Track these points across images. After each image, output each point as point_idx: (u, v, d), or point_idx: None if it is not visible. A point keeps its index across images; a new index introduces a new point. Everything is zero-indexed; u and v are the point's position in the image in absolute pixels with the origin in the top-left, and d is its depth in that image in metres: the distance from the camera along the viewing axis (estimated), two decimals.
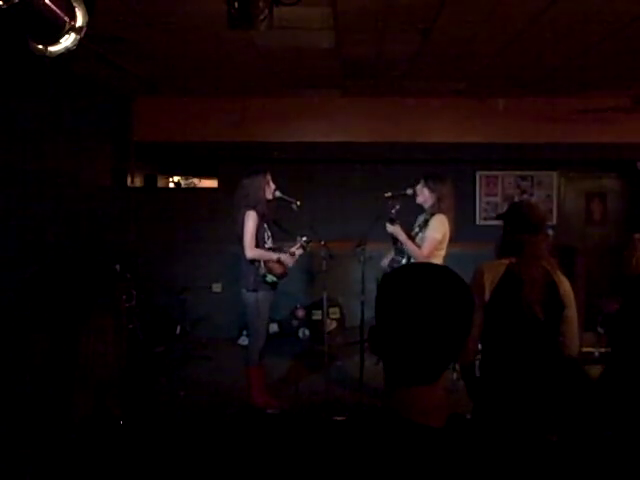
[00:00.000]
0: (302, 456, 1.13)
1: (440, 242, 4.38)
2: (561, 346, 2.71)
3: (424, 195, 4.47)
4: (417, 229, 4.55)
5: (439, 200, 4.41)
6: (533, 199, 7.50)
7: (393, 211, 4.55)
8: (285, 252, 4.69)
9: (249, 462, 3.60)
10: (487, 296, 2.67)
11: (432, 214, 4.43)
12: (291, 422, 4.50)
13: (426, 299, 1.11)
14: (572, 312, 2.71)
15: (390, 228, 4.51)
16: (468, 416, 2.74)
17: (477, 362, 2.85)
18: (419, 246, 4.39)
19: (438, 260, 4.42)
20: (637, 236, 3.26)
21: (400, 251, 4.57)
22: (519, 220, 2.82)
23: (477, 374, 2.83)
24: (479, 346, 2.79)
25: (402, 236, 4.45)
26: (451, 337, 1.11)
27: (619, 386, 1.93)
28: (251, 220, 4.52)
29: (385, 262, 4.66)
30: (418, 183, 4.54)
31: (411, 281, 1.16)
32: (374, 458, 1.06)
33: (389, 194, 4.64)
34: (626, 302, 2.66)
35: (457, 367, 3.97)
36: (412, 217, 4.71)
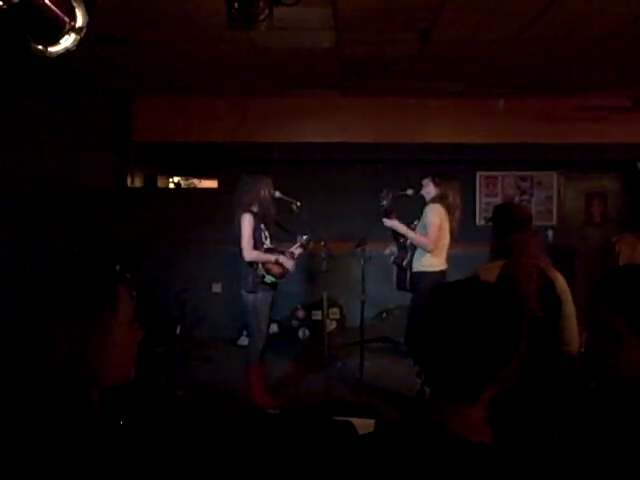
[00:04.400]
0: (301, 456, 1.13)
1: (440, 227, 4.40)
2: (561, 343, 2.71)
3: (428, 188, 4.54)
4: (416, 222, 4.58)
5: (441, 196, 4.46)
6: (533, 199, 7.51)
7: (384, 202, 4.57)
8: (284, 253, 4.67)
9: (249, 462, 3.60)
10: None
11: (427, 205, 4.48)
12: (291, 422, 4.50)
13: (466, 317, 1.12)
14: (570, 307, 2.72)
15: (388, 222, 4.54)
16: None
17: None
18: (423, 235, 4.42)
19: (438, 253, 4.45)
20: (615, 238, 3.28)
21: (403, 247, 4.58)
22: (504, 221, 2.86)
23: None
24: None
25: (402, 228, 4.49)
26: (490, 354, 1.11)
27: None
28: (247, 222, 4.51)
29: (390, 256, 4.69)
30: (426, 177, 4.59)
31: (455, 298, 1.17)
32: (407, 468, 1.06)
33: (389, 194, 4.66)
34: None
35: None
36: (413, 216, 4.72)
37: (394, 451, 1.10)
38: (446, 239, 4.51)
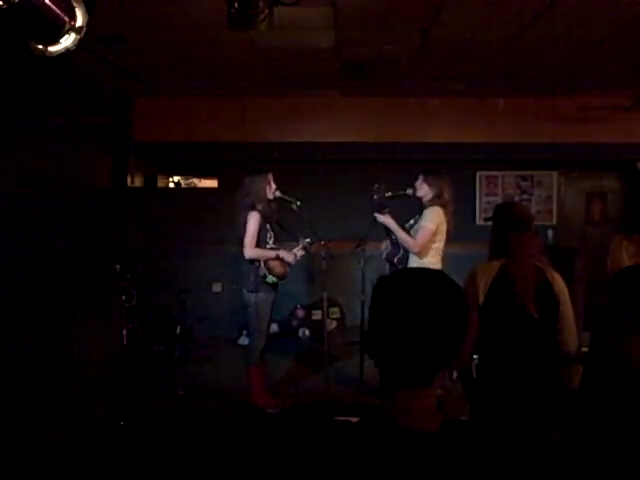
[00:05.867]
0: (301, 456, 1.14)
1: (434, 233, 4.39)
2: (559, 344, 2.70)
3: (423, 189, 4.51)
4: (412, 221, 4.57)
5: (438, 195, 4.45)
6: (533, 199, 7.52)
7: (376, 197, 4.54)
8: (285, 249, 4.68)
9: (249, 462, 3.60)
10: (481, 298, 2.67)
11: (426, 206, 4.46)
12: (291, 422, 4.50)
13: (416, 301, 1.13)
14: (567, 309, 2.71)
15: (380, 218, 4.51)
16: (464, 418, 2.73)
17: (474, 364, 2.85)
18: (413, 237, 4.41)
19: (433, 252, 4.45)
20: (618, 236, 3.27)
21: (396, 244, 4.58)
22: (505, 220, 2.84)
23: (474, 375, 2.83)
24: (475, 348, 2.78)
25: (393, 225, 4.46)
26: (441, 339, 1.12)
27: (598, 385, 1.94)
28: (253, 220, 4.52)
29: (383, 254, 4.69)
30: (417, 179, 4.57)
31: (402, 284, 1.18)
32: (370, 464, 1.07)
33: (389, 194, 4.65)
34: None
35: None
36: (412, 216, 4.71)
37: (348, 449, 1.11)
38: (442, 241, 4.49)
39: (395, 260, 4.58)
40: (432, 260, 4.47)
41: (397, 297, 1.15)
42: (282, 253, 4.60)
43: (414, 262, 4.48)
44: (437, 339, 1.11)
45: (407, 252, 4.52)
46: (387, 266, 4.70)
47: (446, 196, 4.47)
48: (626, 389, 1.50)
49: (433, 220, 4.39)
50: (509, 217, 2.84)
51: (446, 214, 4.45)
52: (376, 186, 4.60)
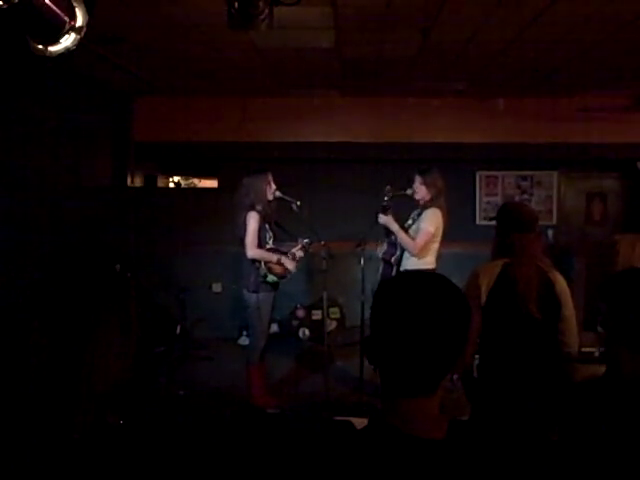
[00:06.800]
0: (302, 457, 1.13)
1: (433, 235, 4.41)
2: (560, 344, 2.71)
3: (422, 191, 4.51)
4: (410, 221, 4.58)
5: (436, 196, 4.46)
6: (533, 199, 7.51)
7: (386, 198, 4.57)
8: (287, 254, 4.68)
9: (249, 462, 3.60)
10: (484, 298, 2.68)
11: (425, 207, 4.47)
12: (291, 422, 4.50)
13: (422, 308, 1.10)
14: (569, 310, 2.72)
15: (382, 219, 4.53)
16: (465, 418, 2.72)
17: (475, 363, 2.85)
18: (412, 238, 4.42)
19: (431, 253, 4.48)
20: (617, 237, 3.27)
21: (393, 244, 4.59)
22: (510, 220, 2.84)
23: (475, 375, 2.83)
24: (477, 348, 2.78)
25: (395, 226, 4.48)
26: (448, 346, 1.10)
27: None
28: (253, 220, 4.52)
29: (379, 253, 4.69)
30: (414, 181, 4.57)
31: (406, 291, 1.14)
32: (376, 475, 1.05)
33: (390, 195, 4.66)
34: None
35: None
36: (408, 214, 4.72)
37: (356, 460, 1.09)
38: (439, 241, 4.51)
39: (392, 260, 4.60)
40: (428, 260, 4.49)
41: (399, 303, 1.12)
42: (284, 260, 4.60)
43: (410, 261, 4.50)
44: (442, 344, 1.09)
45: (403, 251, 4.54)
46: (381, 265, 4.70)
47: (442, 197, 4.49)
48: (616, 392, 1.51)
49: (432, 222, 4.41)
50: (513, 217, 2.84)
51: (443, 215, 4.48)
52: (388, 187, 4.63)
